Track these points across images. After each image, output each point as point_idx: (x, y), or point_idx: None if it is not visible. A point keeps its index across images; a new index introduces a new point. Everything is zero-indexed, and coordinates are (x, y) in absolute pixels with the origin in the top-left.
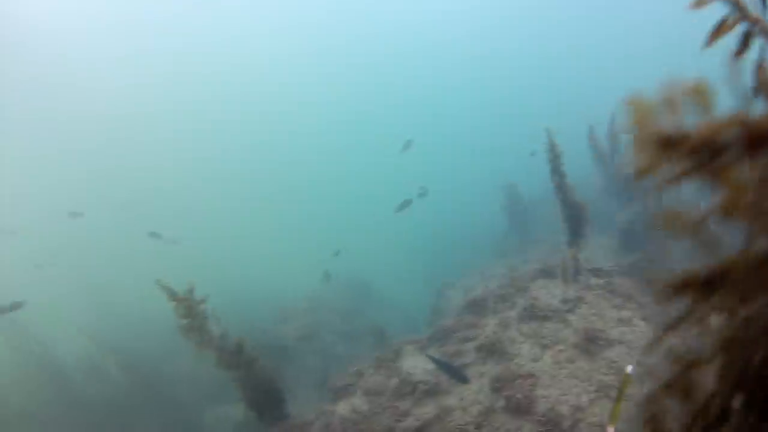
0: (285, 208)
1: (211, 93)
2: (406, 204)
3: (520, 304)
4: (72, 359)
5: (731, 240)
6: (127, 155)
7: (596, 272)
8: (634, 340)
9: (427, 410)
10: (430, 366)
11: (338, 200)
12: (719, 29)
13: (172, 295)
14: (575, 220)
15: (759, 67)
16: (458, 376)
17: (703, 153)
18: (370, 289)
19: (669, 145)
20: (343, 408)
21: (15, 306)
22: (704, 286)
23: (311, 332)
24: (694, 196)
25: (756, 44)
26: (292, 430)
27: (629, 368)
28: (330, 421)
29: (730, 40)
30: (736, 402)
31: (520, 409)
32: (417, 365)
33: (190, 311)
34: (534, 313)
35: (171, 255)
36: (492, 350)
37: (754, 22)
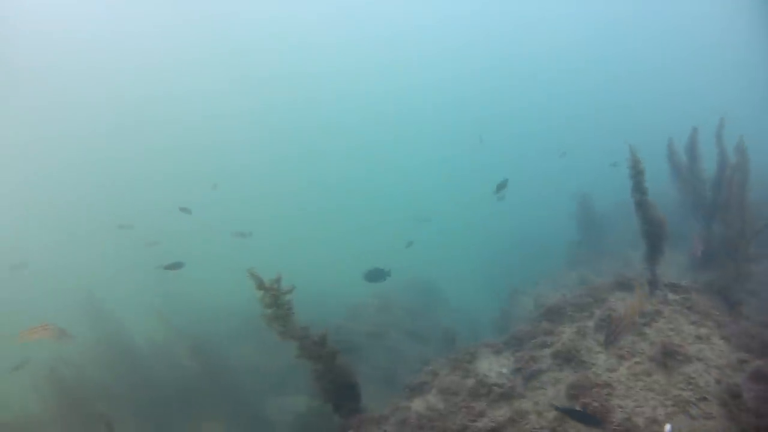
0: (362, 209)
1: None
2: (503, 185)
3: (598, 315)
4: (143, 341)
5: None
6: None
7: (674, 288)
8: (712, 358)
9: (501, 413)
10: (505, 370)
11: (410, 203)
12: None
13: (260, 285)
14: (654, 237)
15: None
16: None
17: None
18: (437, 291)
19: None
20: (418, 405)
21: (177, 265)
22: None
23: (381, 330)
24: None
25: None
26: (368, 422)
27: None
28: (406, 416)
29: None
30: None
31: (595, 417)
32: (492, 368)
33: (276, 301)
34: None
35: (243, 251)
36: (568, 358)
37: None
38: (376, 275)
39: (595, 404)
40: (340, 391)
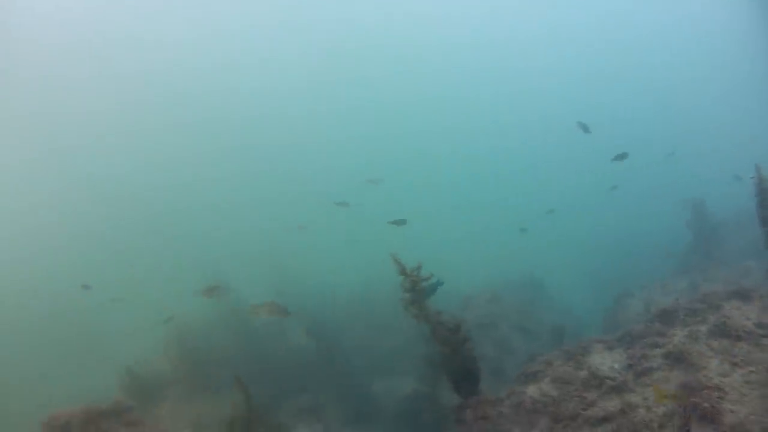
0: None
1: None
2: (622, 156)
3: (711, 321)
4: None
5: None
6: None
7: None
8: None
9: (612, 404)
10: (617, 365)
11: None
12: None
13: (402, 270)
14: None
15: None
16: None
17: None
18: (544, 289)
19: None
20: (533, 390)
21: (401, 222)
22: None
23: (490, 322)
24: None
25: None
26: (486, 403)
27: None
28: (521, 400)
29: None
30: None
31: (705, 417)
32: (605, 362)
33: (414, 286)
34: (726, 331)
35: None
36: (679, 359)
37: None
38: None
39: (705, 405)
40: (464, 374)
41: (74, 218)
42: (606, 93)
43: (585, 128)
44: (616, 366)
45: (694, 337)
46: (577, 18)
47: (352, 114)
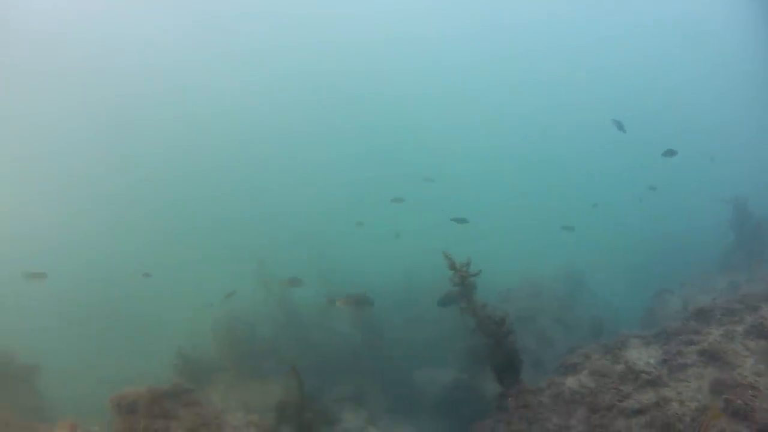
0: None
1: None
2: (671, 152)
3: (749, 321)
4: (308, 307)
5: None
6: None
7: None
8: None
9: (647, 397)
10: (653, 360)
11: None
12: None
13: (452, 265)
14: None
15: None
16: None
17: None
18: (583, 283)
19: None
20: (571, 382)
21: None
22: None
23: (530, 315)
24: None
25: None
26: (527, 393)
27: None
28: (560, 390)
29: None
30: None
31: (738, 414)
32: (641, 357)
33: (463, 281)
34: (762, 332)
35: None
36: (714, 356)
37: None
38: (449, 300)
39: (738, 402)
40: (507, 365)
41: (126, 202)
42: (643, 90)
43: (620, 126)
44: (652, 361)
45: (730, 336)
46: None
47: (403, 110)
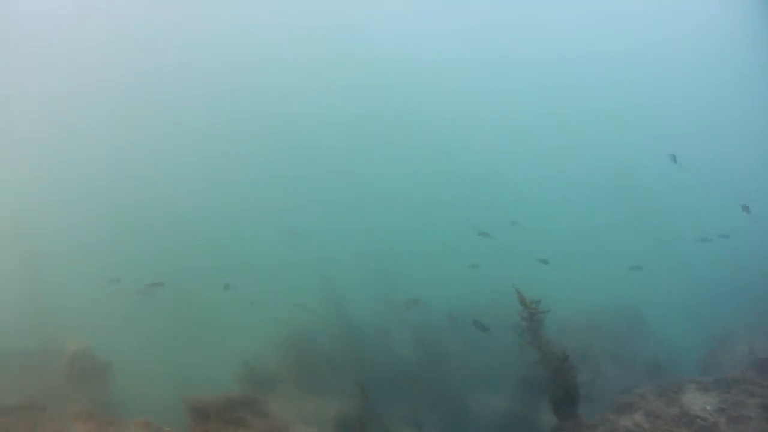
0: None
1: None
2: (745, 208)
3: None
4: (363, 320)
5: None
6: None
7: None
8: None
9: None
10: (709, 407)
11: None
12: None
13: (522, 301)
14: None
15: None
16: None
17: None
18: (642, 319)
19: None
20: (625, 420)
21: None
22: None
23: (585, 348)
24: None
25: None
26: (582, 428)
27: None
28: (615, 428)
29: None
30: None
31: None
32: (697, 402)
33: (533, 317)
34: None
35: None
36: None
37: None
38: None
39: None
40: (564, 397)
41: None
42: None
43: (674, 159)
44: (709, 408)
45: None
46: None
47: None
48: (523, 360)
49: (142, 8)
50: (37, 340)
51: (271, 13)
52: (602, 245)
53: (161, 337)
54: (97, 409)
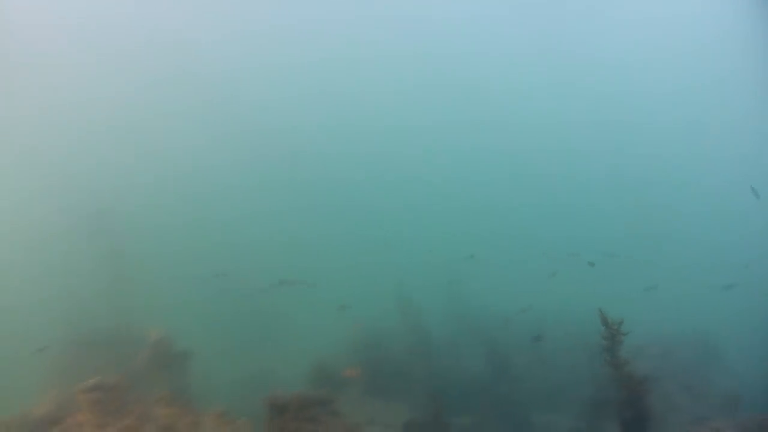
0: None
1: None
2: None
3: None
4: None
5: None
6: None
7: None
8: None
9: None
10: None
11: None
12: None
13: (605, 321)
14: None
15: None
16: None
17: None
18: (720, 349)
19: None
20: None
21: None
22: None
23: (657, 375)
24: None
25: None
26: None
27: None
28: None
29: None
30: None
31: None
32: None
33: (613, 339)
34: None
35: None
36: None
37: None
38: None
39: None
40: (636, 422)
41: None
42: None
43: (756, 194)
44: None
45: None
46: None
47: None
48: (594, 380)
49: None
50: (123, 327)
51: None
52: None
53: (238, 330)
54: (176, 396)
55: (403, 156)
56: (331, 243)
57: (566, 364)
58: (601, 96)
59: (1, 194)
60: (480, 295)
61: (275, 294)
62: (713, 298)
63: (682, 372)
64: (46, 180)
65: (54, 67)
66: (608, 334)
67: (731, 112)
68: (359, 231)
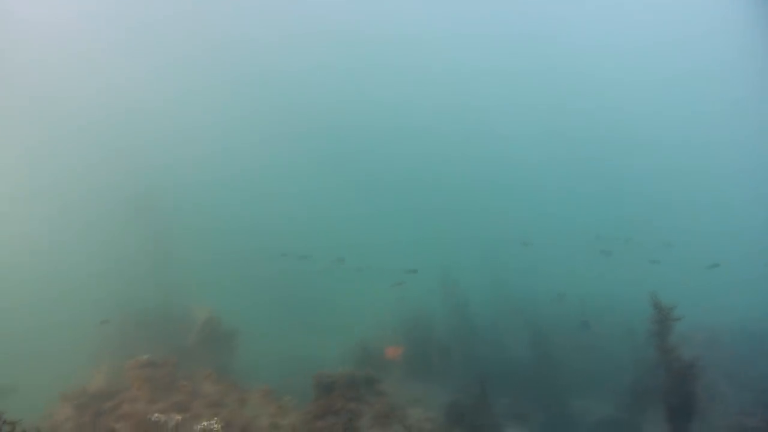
0: None
1: None
2: None
3: None
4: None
5: None
6: None
7: None
8: None
9: None
10: None
11: None
12: None
13: (657, 305)
14: None
15: None
16: None
17: None
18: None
19: None
20: None
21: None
22: None
23: (702, 363)
24: None
25: None
26: None
27: None
28: None
29: None
30: None
31: None
32: None
33: (662, 324)
34: None
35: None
36: None
37: None
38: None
39: None
40: (682, 408)
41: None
42: None
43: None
44: None
45: None
46: None
47: None
48: (636, 367)
49: None
50: (173, 306)
51: None
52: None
53: (283, 311)
54: (223, 373)
55: (461, 137)
56: (384, 222)
57: (612, 349)
58: (664, 85)
59: (55, 175)
60: (530, 278)
61: (327, 273)
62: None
63: (728, 360)
64: (101, 159)
65: (107, 52)
66: (659, 318)
67: None
68: (413, 211)
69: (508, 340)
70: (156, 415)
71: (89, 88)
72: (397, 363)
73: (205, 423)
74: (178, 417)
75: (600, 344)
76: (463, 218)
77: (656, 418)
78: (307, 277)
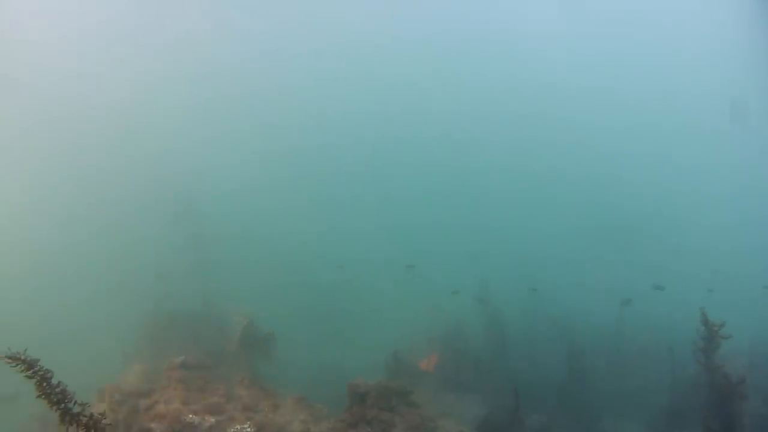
0: None
1: None
2: None
3: None
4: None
5: None
6: None
7: None
8: None
9: None
10: None
11: None
12: None
13: (704, 319)
14: None
15: None
16: None
17: None
18: None
19: None
20: None
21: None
22: None
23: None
24: None
25: None
26: None
27: None
28: None
29: None
30: None
31: None
32: None
33: (711, 337)
34: None
35: None
36: None
37: None
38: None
39: None
40: (726, 428)
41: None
42: None
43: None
44: None
45: None
46: None
47: None
48: (674, 385)
49: None
50: (208, 310)
51: None
52: None
53: (319, 319)
54: (257, 378)
55: (501, 148)
56: (421, 233)
57: (650, 366)
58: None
59: (92, 178)
60: (567, 294)
61: (365, 283)
62: None
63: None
64: (140, 163)
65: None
66: (707, 335)
67: None
68: (451, 225)
69: (543, 355)
70: (190, 416)
71: (131, 88)
72: (431, 374)
73: (238, 426)
74: (212, 419)
75: (641, 362)
76: (503, 234)
77: None
78: (345, 286)
